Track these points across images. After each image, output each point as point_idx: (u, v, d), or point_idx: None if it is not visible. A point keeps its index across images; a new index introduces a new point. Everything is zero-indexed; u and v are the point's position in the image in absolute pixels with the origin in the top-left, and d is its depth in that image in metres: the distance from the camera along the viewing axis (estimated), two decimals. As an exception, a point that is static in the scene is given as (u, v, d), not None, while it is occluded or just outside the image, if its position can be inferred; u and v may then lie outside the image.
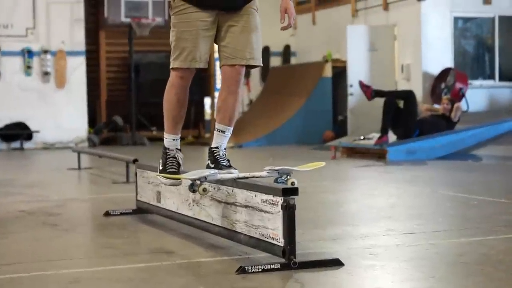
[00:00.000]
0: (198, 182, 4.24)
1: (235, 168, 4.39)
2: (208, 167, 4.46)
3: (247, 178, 4.36)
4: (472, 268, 3.88)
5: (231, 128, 4.50)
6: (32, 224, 5.72)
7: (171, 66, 4.42)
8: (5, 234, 5.29)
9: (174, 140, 4.57)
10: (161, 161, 4.58)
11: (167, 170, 4.49)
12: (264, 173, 4.39)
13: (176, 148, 4.57)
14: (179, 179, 4.44)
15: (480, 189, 7.63)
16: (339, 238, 4.87)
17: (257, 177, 4.38)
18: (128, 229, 5.36)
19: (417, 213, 6.04)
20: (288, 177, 4.35)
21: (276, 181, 4.36)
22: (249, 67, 4.42)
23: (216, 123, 4.50)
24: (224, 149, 4.50)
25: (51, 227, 5.54)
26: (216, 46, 4.52)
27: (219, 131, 4.48)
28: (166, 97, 4.54)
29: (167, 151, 4.56)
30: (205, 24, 4.35)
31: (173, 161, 4.51)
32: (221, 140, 4.49)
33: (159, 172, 4.54)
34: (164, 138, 4.59)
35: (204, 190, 4.26)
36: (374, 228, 5.25)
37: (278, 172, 4.36)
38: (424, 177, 9.20)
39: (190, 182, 4.27)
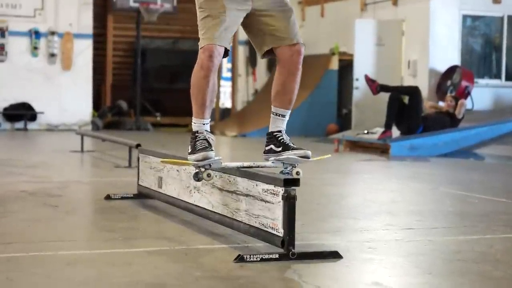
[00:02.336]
0: (203, 169, 4.21)
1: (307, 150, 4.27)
2: (271, 151, 4.34)
3: (251, 167, 4.33)
4: (469, 266, 3.88)
5: (290, 111, 4.36)
6: (32, 205, 5.73)
7: (201, 45, 4.18)
8: (5, 213, 5.30)
9: (204, 124, 4.30)
10: (190, 145, 4.30)
11: (197, 149, 4.20)
12: (268, 163, 4.37)
13: (206, 130, 4.30)
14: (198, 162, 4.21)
15: (481, 188, 7.63)
16: (338, 231, 4.87)
17: (261, 167, 4.36)
18: (128, 214, 5.37)
19: (417, 209, 6.05)
20: (293, 168, 4.33)
21: (281, 172, 4.33)
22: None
23: (274, 107, 4.34)
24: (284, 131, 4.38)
25: (52, 208, 5.56)
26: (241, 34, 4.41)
27: (279, 115, 4.34)
28: (194, 81, 4.22)
29: (197, 134, 4.27)
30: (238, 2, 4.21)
31: (204, 141, 4.23)
32: (281, 124, 4.36)
33: (189, 155, 4.27)
34: (193, 123, 4.32)
35: (209, 175, 4.21)
36: (374, 222, 5.26)
37: (283, 163, 4.34)
38: (425, 174, 9.20)
39: (195, 170, 4.22)
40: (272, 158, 4.35)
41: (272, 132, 4.38)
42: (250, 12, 4.27)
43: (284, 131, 4.37)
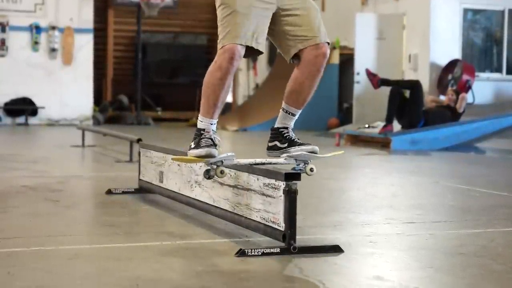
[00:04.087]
0: (215, 166, 4.14)
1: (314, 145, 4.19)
2: (275, 148, 4.28)
3: (263, 164, 4.28)
4: (470, 259, 3.88)
5: (301, 110, 4.26)
6: (33, 200, 5.73)
7: (222, 44, 3.98)
8: (6, 208, 5.30)
9: (211, 124, 4.16)
10: (193, 141, 4.13)
11: (201, 146, 4.05)
12: (281, 160, 4.30)
13: (213, 130, 4.15)
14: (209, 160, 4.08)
15: (482, 182, 7.62)
16: (339, 225, 4.87)
17: (274, 164, 4.32)
18: (130, 208, 5.37)
19: (418, 203, 6.05)
20: (306, 165, 4.26)
21: (293, 169, 4.27)
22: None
23: (285, 105, 4.23)
24: (292, 129, 4.29)
25: (53, 203, 5.56)
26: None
27: (289, 113, 4.24)
28: (209, 80, 4.04)
29: (202, 132, 4.12)
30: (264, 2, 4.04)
31: (209, 140, 4.09)
32: (290, 121, 4.26)
33: (190, 149, 4.11)
34: (199, 121, 4.16)
35: (222, 172, 4.08)
36: (375, 217, 5.26)
37: (295, 160, 4.27)
38: (426, 168, 9.20)
39: (206, 168, 4.10)
40: (285, 155, 4.27)
41: (278, 128, 4.29)
42: (274, 12, 4.11)
43: (291, 129, 4.29)
